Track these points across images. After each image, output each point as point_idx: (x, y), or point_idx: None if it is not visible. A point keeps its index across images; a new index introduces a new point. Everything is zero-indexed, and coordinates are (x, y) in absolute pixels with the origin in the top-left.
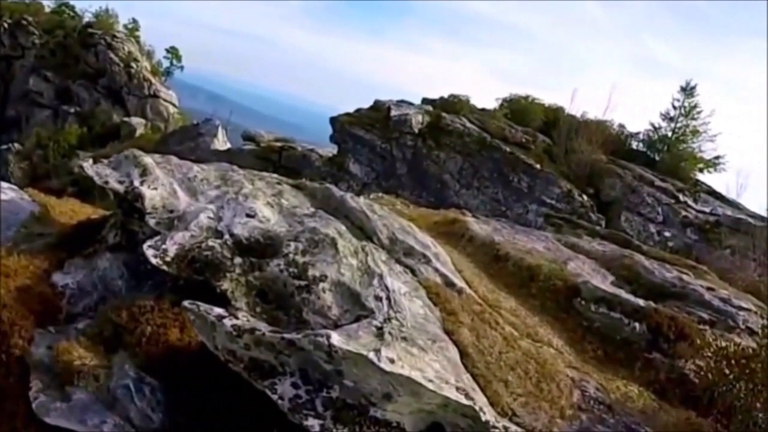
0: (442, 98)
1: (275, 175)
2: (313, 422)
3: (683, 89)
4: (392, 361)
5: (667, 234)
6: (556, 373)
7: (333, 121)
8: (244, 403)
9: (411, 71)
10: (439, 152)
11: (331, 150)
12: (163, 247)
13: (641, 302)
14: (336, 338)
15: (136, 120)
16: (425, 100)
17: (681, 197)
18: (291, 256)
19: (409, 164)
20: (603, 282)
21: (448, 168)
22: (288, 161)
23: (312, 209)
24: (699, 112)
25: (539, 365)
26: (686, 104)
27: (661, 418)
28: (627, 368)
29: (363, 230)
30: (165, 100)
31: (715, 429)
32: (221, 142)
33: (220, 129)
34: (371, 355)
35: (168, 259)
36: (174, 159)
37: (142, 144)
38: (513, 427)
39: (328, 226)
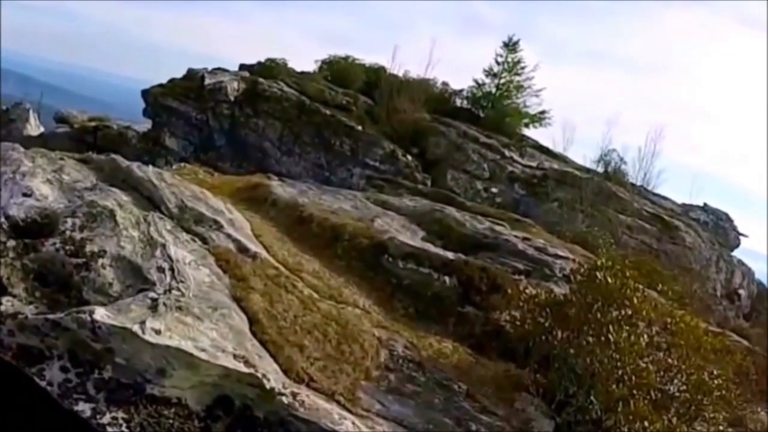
0: (259, 63)
1: (60, 152)
2: (84, 407)
3: (506, 45)
4: (158, 332)
5: (494, 190)
6: (360, 333)
7: (145, 94)
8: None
9: (228, 38)
10: (257, 120)
11: (148, 126)
12: None
13: (450, 255)
14: (100, 313)
15: None
16: (242, 66)
17: (507, 153)
18: (68, 233)
19: (227, 134)
20: (412, 238)
21: (267, 135)
22: (104, 141)
23: (95, 182)
24: (523, 68)
25: (341, 327)
26: (509, 60)
27: (477, 372)
28: (440, 324)
29: (151, 200)
30: None
31: (533, 379)
32: (34, 127)
33: (31, 113)
34: (135, 328)
35: None
36: None
37: None
38: (303, 393)
39: (107, 198)
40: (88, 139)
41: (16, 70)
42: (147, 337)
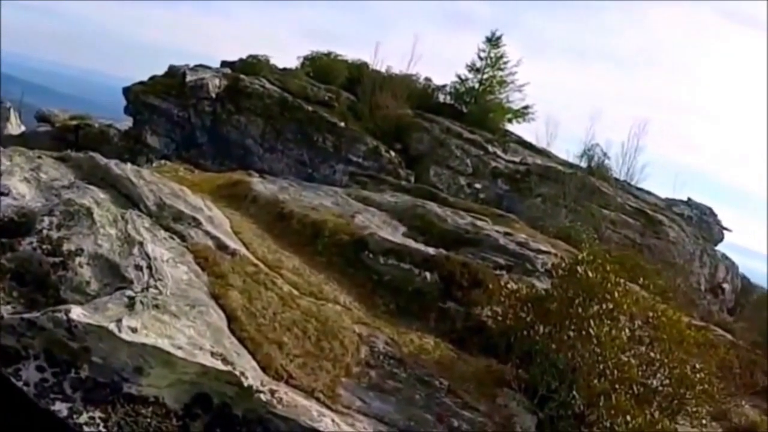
0: (241, 60)
1: (38, 150)
2: (60, 406)
3: (489, 40)
4: (134, 330)
5: (477, 186)
6: (341, 330)
7: (126, 91)
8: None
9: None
10: (239, 117)
11: (130, 124)
12: None
13: (431, 251)
14: (76, 312)
15: None
16: (224, 63)
17: (490, 148)
18: (45, 231)
19: (209, 131)
20: (393, 233)
21: (249, 132)
22: (85, 140)
23: (72, 181)
24: (506, 63)
25: (321, 323)
26: (492, 55)
27: (459, 368)
28: (421, 320)
29: (129, 198)
30: None
31: (515, 375)
32: (15, 126)
33: (12, 111)
34: (111, 326)
35: None
36: None
37: None
38: (282, 390)
39: (84, 196)
40: (70, 138)
41: (5, 71)
42: (123, 335)
